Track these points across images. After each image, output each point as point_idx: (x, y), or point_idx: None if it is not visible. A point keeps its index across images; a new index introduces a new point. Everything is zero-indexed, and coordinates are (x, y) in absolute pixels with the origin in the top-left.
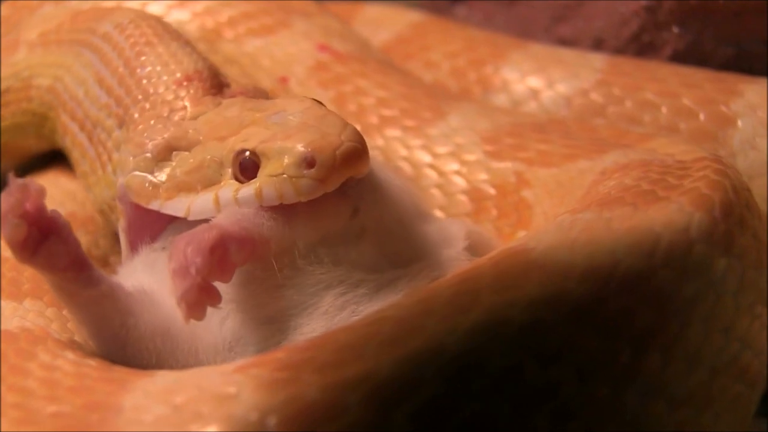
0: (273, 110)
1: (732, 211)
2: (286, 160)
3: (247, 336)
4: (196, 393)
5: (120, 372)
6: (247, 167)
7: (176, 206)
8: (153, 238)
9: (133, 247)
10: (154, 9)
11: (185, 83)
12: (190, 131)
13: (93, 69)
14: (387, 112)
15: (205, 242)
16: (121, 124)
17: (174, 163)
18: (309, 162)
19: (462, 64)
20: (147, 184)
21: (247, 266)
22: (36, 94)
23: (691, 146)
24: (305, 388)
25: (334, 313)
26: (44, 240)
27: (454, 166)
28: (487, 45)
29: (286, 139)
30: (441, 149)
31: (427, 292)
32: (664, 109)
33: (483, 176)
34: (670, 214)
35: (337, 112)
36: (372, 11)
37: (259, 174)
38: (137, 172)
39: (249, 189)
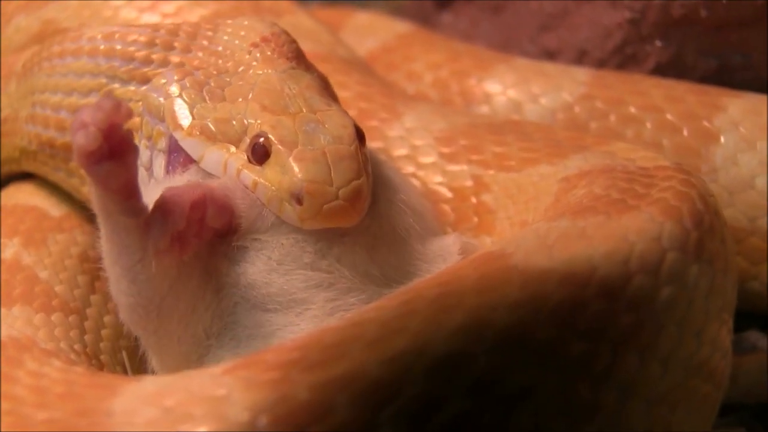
0: (320, 113)
1: (702, 219)
2: (284, 182)
3: (244, 314)
4: (185, 395)
5: (107, 377)
6: (258, 153)
7: (193, 147)
8: (189, 162)
9: (170, 168)
10: (126, 13)
11: (262, 44)
12: (246, 88)
13: (101, 68)
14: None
15: (187, 197)
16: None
17: (213, 108)
18: (297, 199)
19: (445, 75)
20: (180, 113)
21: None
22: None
23: (650, 152)
24: (294, 388)
25: (322, 318)
26: (110, 157)
27: (410, 168)
28: (471, 57)
29: (297, 161)
30: (398, 152)
31: (410, 293)
32: (648, 125)
33: (438, 179)
34: (642, 223)
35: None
36: (361, 19)
37: (264, 164)
38: (179, 98)
39: (250, 176)
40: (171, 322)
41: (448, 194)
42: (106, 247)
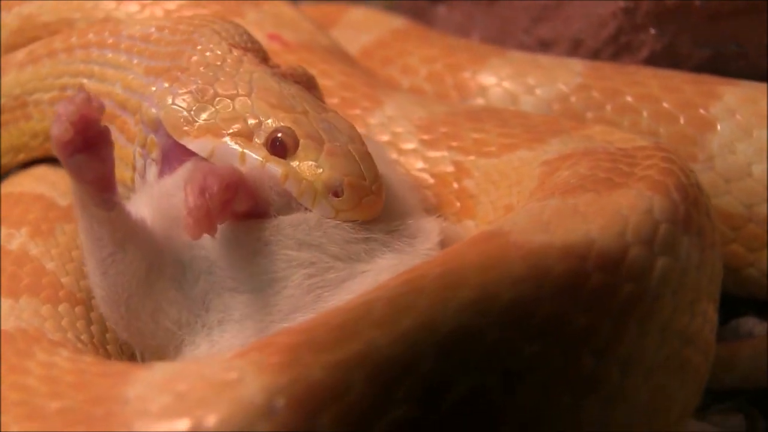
0: (324, 115)
1: (687, 192)
2: (321, 175)
3: (216, 300)
4: (198, 380)
5: (117, 365)
6: (281, 147)
7: (202, 145)
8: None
9: (162, 176)
10: (106, 5)
11: (243, 49)
12: (240, 85)
13: (132, 63)
14: (330, 101)
15: (225, 178)
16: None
17: (215, 108)
18: (337, 192)
19: (440, 69)
20: (182, 120)
21: (233, 227)
22: (35, 110)
23: (627, 134)
24: (308, 369)
25: (299, 297)
26: (85, 149)
27: (392, 154)
28: (466, 51)
29: (331, 156)
30: (380, 138)
31: (413, 273)
32: (644, 114)
33: (420, 165)
34: (632, 198)
35: None
36: (356, 14)
37: (287, 157)
38: (175, 106)
39: (278, 168)
40: (139, 318)
41: (430, 180)
42: (82, 238)
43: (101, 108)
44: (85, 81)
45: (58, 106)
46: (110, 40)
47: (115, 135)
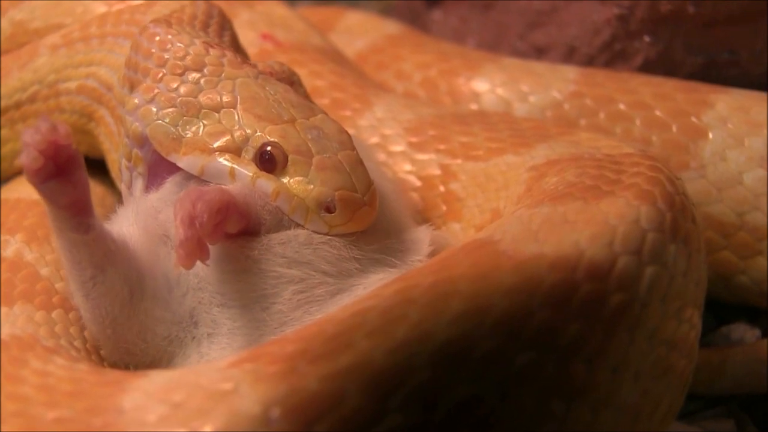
0: (312, 119)
1: (673, 200)
2: (312, 191)
3: (204, 315)
4: (194, 390)
5: (113, 374)
6: (270, 161)
7: (191, 163)
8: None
9: (149, 192)
10: (97, 7)
11: (220, 48)
12: (224, 95)
13: (125, 55)
14: (321, 102)
15: (214, 203)
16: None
17: (201, 122)
18: (329, 208)
19: (434, 74)
20: (169, 137)
21: (223, 245)
22: (66, 100)
23: (613, 141)
24: (304, 380)
25: (288, 312)
26: (57, 175)
27: (381, 156)
28: (460, 57)
29: (321, 170)
30: (369, 140)
31: (404, 281)
32: (637, 121)
33: (408, 167)
34: (619, 207)
35: None
36: (352, 19)
37: (276, 172)
38: (161, 122)
39: (269, 184)
40: (126, 339)
41: (417, 183)
42: (63, 262)
43: (68, 134)
44: (103, 71)
45: (24, 135)
46: (130, 30)
47: (114, 128)
